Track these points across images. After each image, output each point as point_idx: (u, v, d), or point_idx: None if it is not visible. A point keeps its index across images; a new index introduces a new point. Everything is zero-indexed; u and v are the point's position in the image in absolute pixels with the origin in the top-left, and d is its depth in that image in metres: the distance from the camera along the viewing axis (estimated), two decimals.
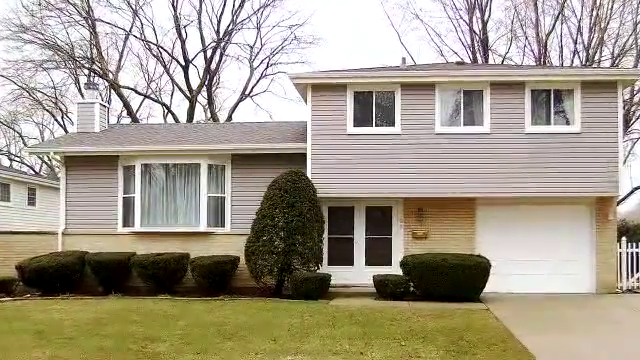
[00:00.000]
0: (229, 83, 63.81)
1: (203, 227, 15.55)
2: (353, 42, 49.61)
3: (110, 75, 32.68)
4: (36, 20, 30.46)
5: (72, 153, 16.26)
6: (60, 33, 31.74)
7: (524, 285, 14.37)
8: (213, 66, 34.32)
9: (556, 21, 29.87)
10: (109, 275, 14.66)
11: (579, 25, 29.46)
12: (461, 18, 32.09)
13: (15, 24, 30.25)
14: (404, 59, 17.84)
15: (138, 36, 33.37)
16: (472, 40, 31.87)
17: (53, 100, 36.17)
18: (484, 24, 31.66)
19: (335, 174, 14.78)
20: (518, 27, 31.44)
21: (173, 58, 33.97)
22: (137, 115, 35.74)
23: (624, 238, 15.44)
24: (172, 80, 34.94)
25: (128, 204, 15.90)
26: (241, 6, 33.85)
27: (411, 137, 14.75)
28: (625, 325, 10.88)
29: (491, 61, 31.18)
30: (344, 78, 15.04)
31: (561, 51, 30.23)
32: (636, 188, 28.95)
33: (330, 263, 15.10)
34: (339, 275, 14.54)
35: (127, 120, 35.29)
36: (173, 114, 35.60)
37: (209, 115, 35.60)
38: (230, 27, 34.04)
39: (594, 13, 28.84)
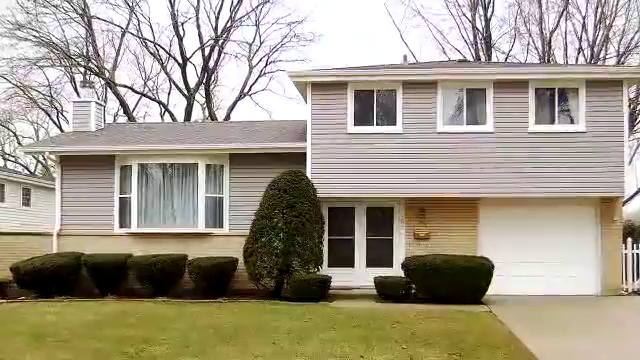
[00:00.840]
0: (227, 81, 63.87)
1: (201, 228, 15.55)
2: (354, 39, 49.63)
3: (106, 73, 32.68)
4: (31, 17, 30.51)
5: (68, 153, 16.27)
6: (55, 30, 31.99)
7: (528, 287, 14.36)
8: (211, 64, 34.35)
9: (560, 18, 29.92)
10: (105, 277, 14.65)
11: (584, 22, 29.50)
12: (464, 15, 32.14)
13: (10, 21, 30.30)
14: (406, 57, 17.91)
15: (135, 33, 33.47)
16: (475, 37, 31.90)
17: (48, 98, 36.18)
18: (487, 21, 31.70)
19: (335, 174, 14.78)
20: (522, 24, 31.50)
21: (170, 56, 34.01)
22: (134, 114, 35.80)
23: (629, 239, 15.45)
24: (169, 78, 34.98)
25: (125, 204, 15.91)
26: (239, 3, 33.93)
27: (413, 136, 14.75)
28: (631, 328, 10.87)
29: (494, 59, 31.19)
30: (344, 76, 15.04)
31: (565, 49, 30.27)
32: None
33: (330, 265, 15.10)
34: (339, 277, 14.54)
35: (124, 119, 35.33)
36: (170, 113, 35.65)
37: (207, 114, 35.61)
38: (228, 24, 34.07)
39: (599, 10, 28.87)
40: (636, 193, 28.69)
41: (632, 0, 27.92)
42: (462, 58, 27.02)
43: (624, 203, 19.21)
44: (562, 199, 14.74)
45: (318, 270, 14.05)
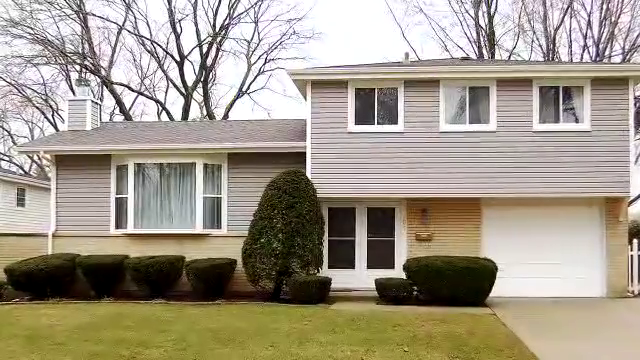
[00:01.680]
0: (226, 79, 63.74)
1: (199, 229, 15.56)
2: (354, 37, 49.64)
3: (102, 71, 32.71)
4: (25, 14, 30.49)
5: (63, 152, 16.27)
6: (50, 27, 31.97)
7: (532, 289, 14.38)
8: (209, 62, 34.40)
9: (565, 15, 29.94)
10: (101, 279, 14.66)
11: (589, 19, 29.53)
12: (466, 12, 32.19)
13: (4, 18, 30.31)
14: (407, 54, 17.85)
15: (131, 31, 33.46)
16: (478, 35, 31.92)
17: (43, 97, 36.20)
18: (490, 18, 31.71)
19: (336, 174, 14.78)
20: (526, 21, 31.53)
21: (167, 53, 34.02)
22: (130, 113, 35.80)
23: (635, 240, 15.46)
24: (166, 76, 35.02)
25: (121, 205, 15.91)
26: None
27: (414, 135, 14.75)
28: (636, 331, 10.86)
29: (497, 57, 31.22)
30: (345, 74, 15.05)
31: (570, 46, 30.32)
32: None
33: (330, 266, 15.12)
34: (340, 278, 14.56)
35: (120, 118, 35.34)
36: (168, 112, 35.67)
37: (205, 113, 35.64)
38: (227, 21, 34.13)
39: (604, 7, 28.90)
40: None
41: None
42: (465, 56, 26.93)
43: (630, 203, 19.21)
44: (567, 199, 14.75)
45: (318, 271, 14.06)
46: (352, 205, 15.63)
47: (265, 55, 35.33)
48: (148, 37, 33.66)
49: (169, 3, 32.73)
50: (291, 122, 18.20)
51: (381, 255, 15.50)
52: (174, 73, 34.61)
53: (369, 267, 15.43)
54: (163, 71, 34.70)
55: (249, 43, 34.87)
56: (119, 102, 34.22)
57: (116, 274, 14.71)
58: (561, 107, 14.78)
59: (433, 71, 15.14)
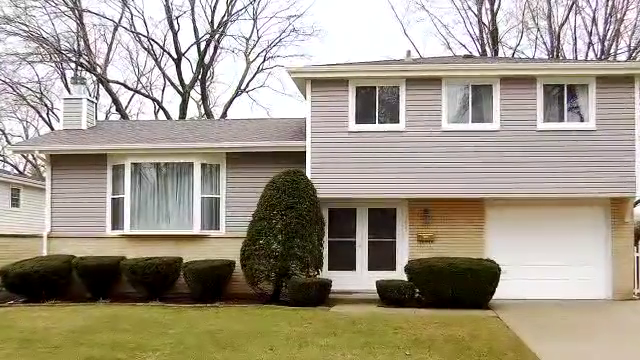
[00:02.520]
0: (224, 77, 63.66)
1: (196, 230, 15.56)
2: (355, 34, 49.64)
3: (98, 69, 32.69)
4: (20, 10, 30.42)
5: (58, 152, 16.27)
6: (45, 24, 31.75)
7: (536, 291, 14.38)
8: (207, 59, 34.36)
9: (570, 12, 29.95)
10: (97, 280, 14.66)
11: (594, 16, 29.53)
12: (469, 9, 32.19)
13: None
14: (409, 52, 17.83)
15: (128, 28, 33.42)
16: (481, 32, 31.93)
17: (38, 95, 36.21)
18: (494, 15, 31.71)
19: (336, 174, 14.78)
20: (529, 18, 31.54)
21: (165, 51, 34.00)
22: (127, 111, 35.80)
23: None
24: (164, 74, 34.98)
25: (117, 205, 15.92)
26: None
27: (416, 134, 14.75)
28: None
29: (501, 54, 31.23)
30: (345, 72, 15.04)
31: (575, 43, 30.31)
32: None
33: (331, 268, 15.13)
34: (340, 280, 14.56)
35: (116, 117, 35.36)
36: (165, 110, 35.63)
37: (203, 111, 35.66)
38: (225, 18, 34.07)
39: (610, 3, 28.89)
40: None
41: None
42: (468, 53, 26.97)
43: (636, 204, 19.19)
44: (571, 199, 14.75)
45: (318, 273, 14.06)
46: (353, 206, 15.63)
47: (264, 53, 35.37)
48: (145, 34, 33.64)
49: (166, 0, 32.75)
50: (290, 121, 18.20)
51: (382, 256, 15.50)
52: (171, 71, 34.64)
53: (370, 269, 15.43)
54: (160, 69, 34.70)
55: (248, 40, 34.90)
56: (115, 101, 34.22)
57: (112, 276, 14.72)
58: (566, 106, 14.77)
59: (435, 69, 15.13)
